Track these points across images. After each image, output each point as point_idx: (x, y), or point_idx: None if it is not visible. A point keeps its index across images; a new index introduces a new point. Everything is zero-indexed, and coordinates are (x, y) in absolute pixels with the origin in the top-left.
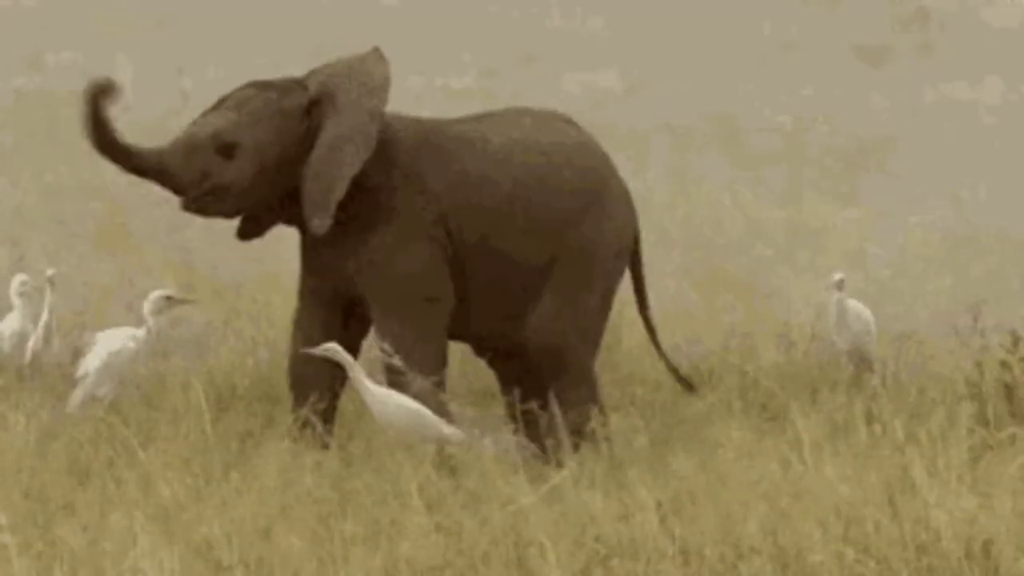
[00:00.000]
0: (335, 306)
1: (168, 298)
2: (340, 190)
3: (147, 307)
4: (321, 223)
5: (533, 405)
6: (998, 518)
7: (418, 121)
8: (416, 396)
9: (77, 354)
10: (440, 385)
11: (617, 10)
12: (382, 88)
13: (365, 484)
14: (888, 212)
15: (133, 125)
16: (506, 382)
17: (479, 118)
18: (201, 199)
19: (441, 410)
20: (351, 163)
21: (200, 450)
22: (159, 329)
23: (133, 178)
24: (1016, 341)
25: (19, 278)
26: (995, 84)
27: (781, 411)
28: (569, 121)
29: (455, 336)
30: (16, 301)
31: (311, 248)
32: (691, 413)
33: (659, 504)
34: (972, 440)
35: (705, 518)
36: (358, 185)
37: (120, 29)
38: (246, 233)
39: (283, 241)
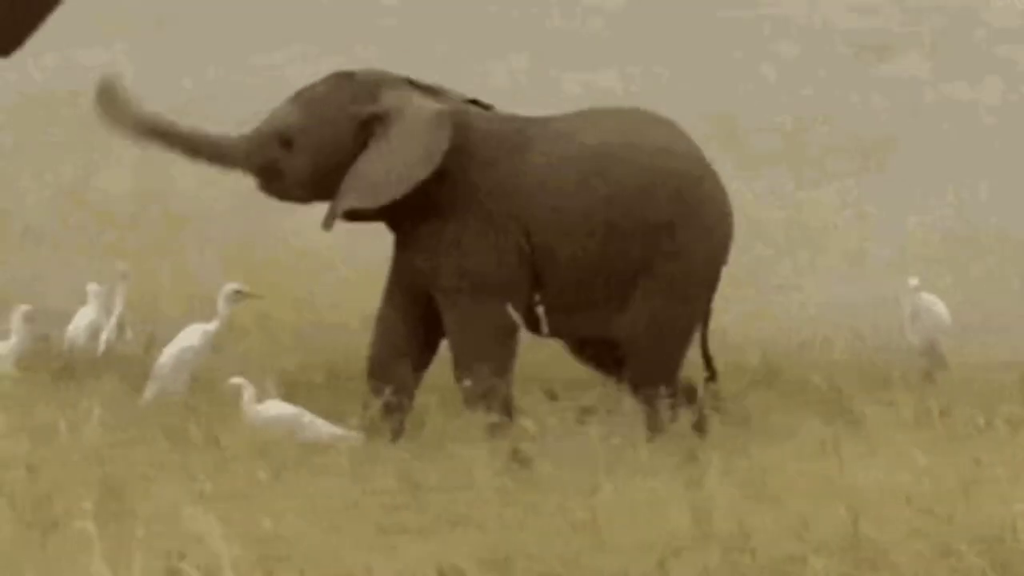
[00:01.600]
0: (417, 302)
1: (238, 292)
2: (384, 198)
3: (219, 300)
4: (329, 222)
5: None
6: None
7: (508, 117)
8: (484, 393)
9: (150, 346)
10: (505, 380)
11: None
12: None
13: (435, 476)
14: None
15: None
16: (605, 371)
17: (576, 115)
18: (267, 185)
19: (506, 407)
20: (404, 179)
21: (270, 442)
22: (229, 321)
23: (201, 175)
24: None
25: (92, 287)
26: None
27: (851, 405)
28: (670, 123)
29: (539, 332)
30: (91, 293)
31: (396, 243)
32: (762, 406)
33: (732, 497)
34: None
35: (779, 511)
36: (439, 177)
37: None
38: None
39: (352, 234)
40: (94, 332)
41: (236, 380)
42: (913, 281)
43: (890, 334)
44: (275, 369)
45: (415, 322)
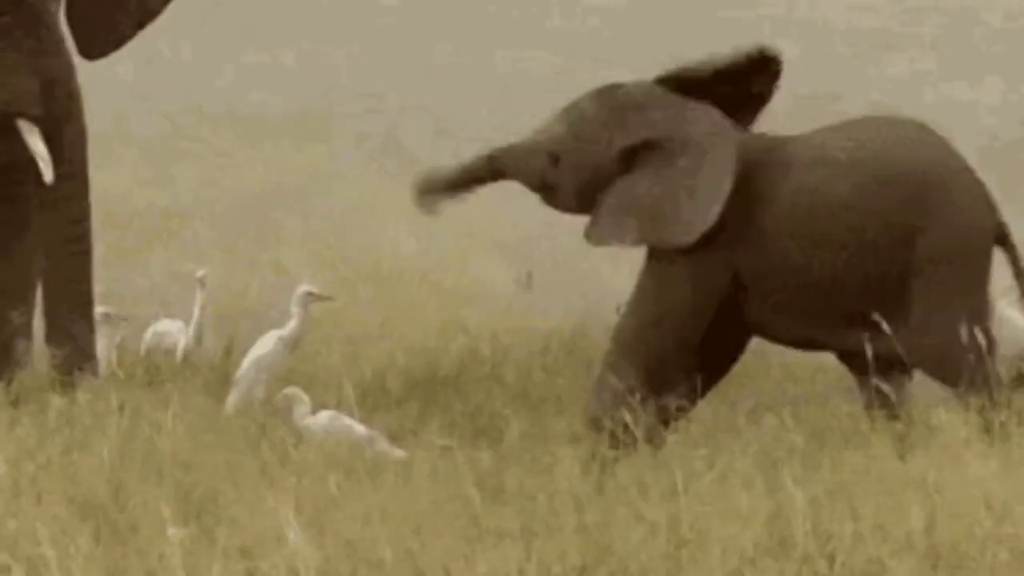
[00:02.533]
0: None
1: (310, 294)
2: (630, 241)
3: (293, 302)
4: (598, 237)
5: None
6: None
7: (759, 137)
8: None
9: (229, 352)
10: (634, 393)
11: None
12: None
13: (516, 481)
14: None
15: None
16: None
17: (814, 135)
18: (547, 199)
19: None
20: (657, 230)
21: (351, 449)
22: (305, 324)
23: (285, 181)
24: None
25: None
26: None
27: (927, 410)
28: (920, 127)
29: (791, 342)
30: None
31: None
32: (842, 409)
33: (814, 502)
34: None
35: (856, 516)
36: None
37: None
38: None
39: (438, 239)
40: (173, 339)
41: (289, 391)
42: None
43: None
44: (352, 376)
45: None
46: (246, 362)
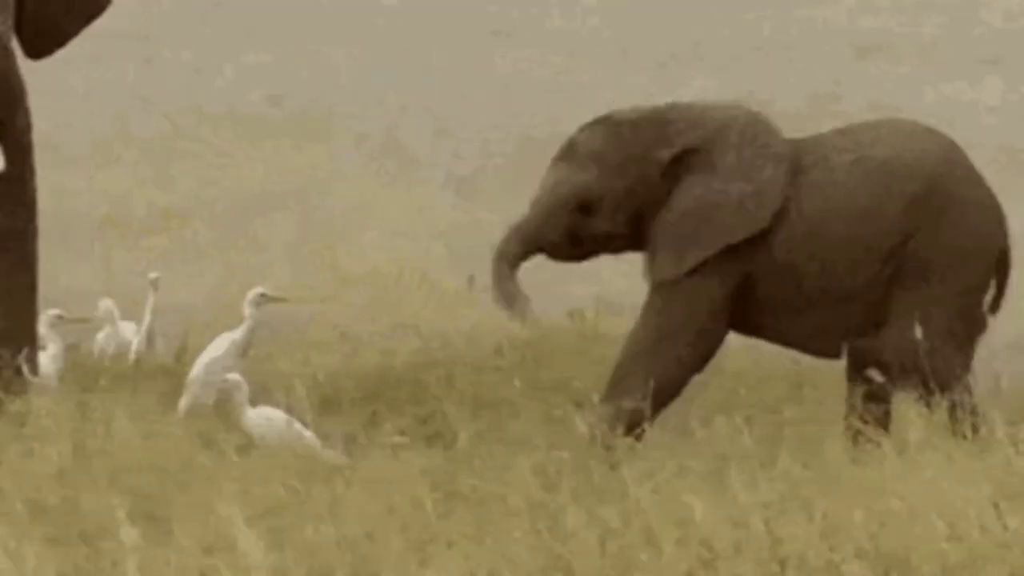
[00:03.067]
0: None
1: (263, 294)
2: (703, 254)
3: (246, 303)
4: (663, 272)
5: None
6: None
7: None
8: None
9: (180, 355)
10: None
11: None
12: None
13: (469, 485)
14: None
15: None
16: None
17: (820, 137)
18: (568, 252)
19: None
20: (725, 233)
21: (304, 452)
22: (258, 326)
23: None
24: None
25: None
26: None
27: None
28: (929, 131)
29: (791, 344)
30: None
31: None
32: (795, 414)
33: (764, 506)
34: None
35: (810, 520)
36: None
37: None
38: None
39: (391, 241)
40: (123, 342)
41: (231, 377)
42: None
43: None
44: (307, 377)
45: None
46: (197, 365)
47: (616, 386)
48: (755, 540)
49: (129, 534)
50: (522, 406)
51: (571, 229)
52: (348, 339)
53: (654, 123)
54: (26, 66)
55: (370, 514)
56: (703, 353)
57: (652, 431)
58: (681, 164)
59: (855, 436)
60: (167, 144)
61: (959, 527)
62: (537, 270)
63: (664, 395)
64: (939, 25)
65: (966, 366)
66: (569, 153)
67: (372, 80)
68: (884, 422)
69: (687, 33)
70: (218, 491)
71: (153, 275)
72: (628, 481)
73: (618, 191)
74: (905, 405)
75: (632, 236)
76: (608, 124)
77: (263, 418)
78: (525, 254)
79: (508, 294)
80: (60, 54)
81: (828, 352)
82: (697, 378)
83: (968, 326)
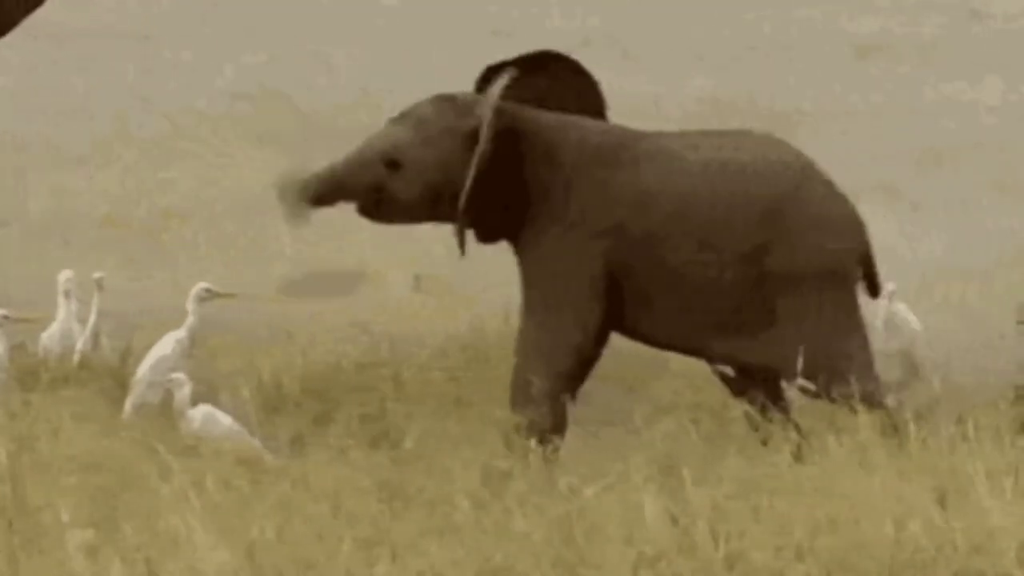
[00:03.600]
0: None
1: (208, 290)
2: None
3: (189, 299)
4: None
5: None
6: None
7: (612, 130)
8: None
9: (125, 356)
10: (556, 392)
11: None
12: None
13: (416, 486)
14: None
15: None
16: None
17: (681, 135)
18: (370, 208)
19: (559, 414)
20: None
21: (244, 453)
22: (201, 324)
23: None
24: None
25: (65, 274)
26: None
27: (828, 414)
28: (779, 143)
29: (658, 344)
30: (61, 301)
31: None
32: (740, 414)
33: (710, 506)
34: (1022, 442)
35: (757, 519)
36: (537, 191)
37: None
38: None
39: (334, 241)
40: (68, 341)
41: (175, 375)
42: (890, 286)
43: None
44: (253, 377)
45: None
46: (143, 364)
47: (518, 394)
48: (701, 539)
49: (75, 534)
50: (468, 407)
51: (375, 182)
52: (295, 338)
53: (475, 101)
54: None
55: (317, 514)
56: (587, 326)
57: (598, 431)
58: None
59: (800, 436)
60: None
61: (904, 527)
62: (481, 274)
63: (569, 379)
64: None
65: (866, 361)
66: (402, 115)
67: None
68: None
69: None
70: (164, 491)
71: (97, 274)
72: (575, 481)
73: (427, 159)
74: (849, 405)
75: (428, 208)
76: (442, 98)
77: (204, 417)
78: (325, 195)
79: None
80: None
81: (695, 350)
82: (640, 377)
83: (851, 322)
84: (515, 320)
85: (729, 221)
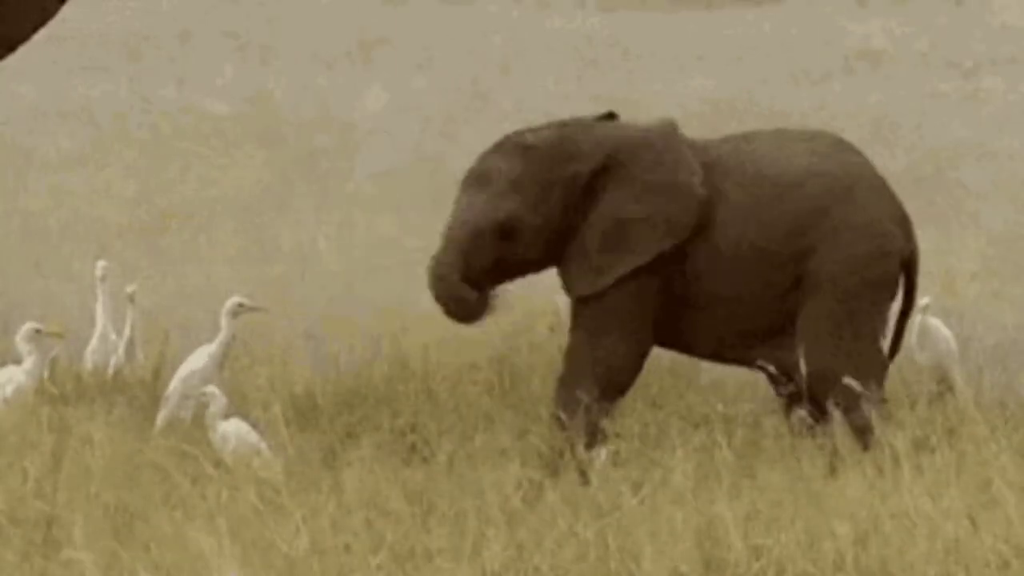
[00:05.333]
0: None
1: (240, 304)
2: (623, 270)
3: (223, 314)
4: (583, 287)
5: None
6: None
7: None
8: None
9: (159, 370)
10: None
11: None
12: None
13: (447, 500)
14: None
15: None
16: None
17: (738, 140)
18: (499, 279)
19: (598, 429)
20: (644, 248)
21: (281, 466)
22: (235, 338)
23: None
24: None
25: (101, 264)
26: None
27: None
28: (837, 142)
29: (697, 353)
30: (100, 297)
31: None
32: (772, 427)
33: (745, 519)
34: None
35: (789, 534)
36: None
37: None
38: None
39: (362, 254)
40: (104, 355)
41: (208, 389)
42: (924, 300)
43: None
44: (286, 390)
45: None
46: (175, 378)
47: (566, 403)
48: (735, 553)
49: (86, 555)
50: (500, 420)
51: (496, 257)
52: (327, 350)
53: (566, 141)
54: (26, 67)
55: (348, 527)
56: (638, 352)
57: (633, 444)
58: (599, 180)
59: (832, 450)
60: (167, 144)
61: (936, 542)
62: (512, 283)
63: (614, 390)
64: (938, 26)
65: (875, 376)
66: (484, 180)
67: (372, 80)
68: (813, 431)
69: (686, 35)
70: (194, 506)
71: (131, 288)
72: (608, 495)
73: (541, 216)
74: (884, 418)
75: (548, 256)
76: (519, 148)
77: (233, 432)
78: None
79: (467, 303)
80: (61, 55)
81: (743, 360)
82: (672, 389)
83: (872, 334)
84: (544, 332)
85: (777, 233)
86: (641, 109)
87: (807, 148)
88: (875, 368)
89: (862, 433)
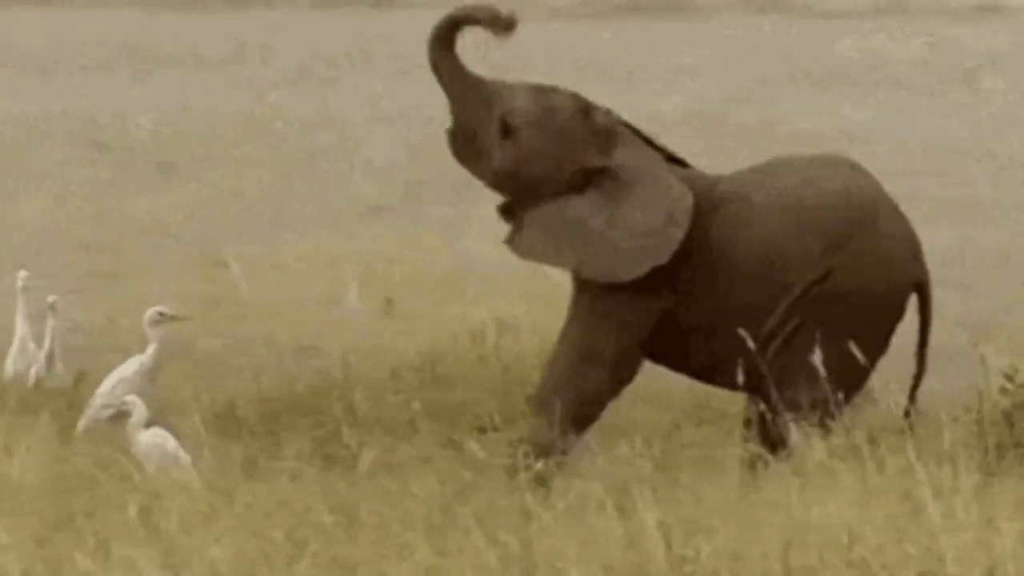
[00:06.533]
0: None
1: (162, 313)
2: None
3: (145, 325)
4: (605, 274)
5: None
6: (1004, 543)
7: (688, 178)
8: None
9: (80, 380)
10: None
11: (614, 14)
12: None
13: (370, 508)
14: None
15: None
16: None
17: (753, 172)
18: (464, 152)
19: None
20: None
21: (202, 478)
22: (161, 349)
23: (150, 204)
24: (1016, 371)
25: (22, 273)
26: (995, 84)
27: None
28: (851, 167)
29: (699, 376)
30: (19, 320)
31: None
32: (694, 438)
33: (665, 528)
34: (975, 465)
35: (711, 543)
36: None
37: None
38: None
39: (289, 266)
40: (24, 364)
41: (130, 398)
42: None
43: None
44: (206, 399)
45: None
46: (106, 383)
47: (540, 411)
48: (657, 563)
49: (13, 562)
50: (421, 429)
51: (481, 133)
52: (249, 361)
53: (602, 131)
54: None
55: (270, 537)
56: (622, 378)
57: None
58: (593, 178)
59: (752, 460)
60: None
61: (859, 548)
62: (434, 292)
63: (584, 421)
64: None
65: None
66: (541, 88)
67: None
68: (777, 443)
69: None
70: (117, 517)
71: (51, 298)
72: (529, 505)
73: (537, 149)
74: (804, 428)
75: (507, 187)
76: (579, 102)
77: (152, 440)
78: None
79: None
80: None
81: (731, 383)
82: None
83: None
84: (466, 342)
85: (791, 262)
86: (631, 119)
87: (824, 175)
88: (848, 381)
89: (781, 442)
